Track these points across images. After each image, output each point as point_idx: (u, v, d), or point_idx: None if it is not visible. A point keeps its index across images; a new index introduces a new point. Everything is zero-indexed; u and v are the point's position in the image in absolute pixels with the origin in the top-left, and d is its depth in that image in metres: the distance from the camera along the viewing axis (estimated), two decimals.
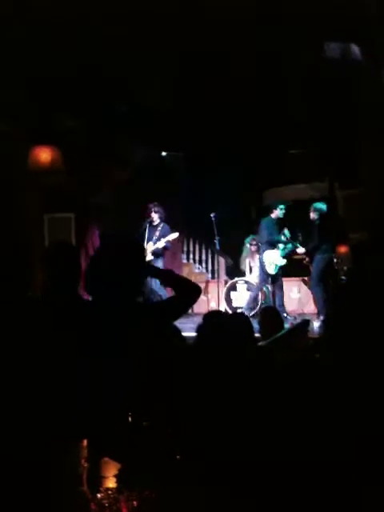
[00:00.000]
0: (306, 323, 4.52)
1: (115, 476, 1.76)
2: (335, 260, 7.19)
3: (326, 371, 2.16)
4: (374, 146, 6.53)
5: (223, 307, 8.10)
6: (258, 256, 8.39)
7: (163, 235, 7.41)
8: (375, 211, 6.68)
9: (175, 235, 7.51)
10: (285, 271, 8.04)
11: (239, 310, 7.75)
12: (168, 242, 7.43)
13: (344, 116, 6.45)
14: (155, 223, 7.47)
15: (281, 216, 7.74)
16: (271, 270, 7.69)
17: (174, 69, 5.64)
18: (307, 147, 7.84)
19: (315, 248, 7.31)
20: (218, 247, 7.93)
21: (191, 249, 10.27)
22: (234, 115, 6.70)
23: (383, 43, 4.92)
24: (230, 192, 8.40)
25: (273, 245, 7.71)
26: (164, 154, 8.46)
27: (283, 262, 7.69)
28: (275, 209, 7.74)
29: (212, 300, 8.69)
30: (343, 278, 7.03)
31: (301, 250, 7.61)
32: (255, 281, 8.18)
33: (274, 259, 7.68)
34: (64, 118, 6.26)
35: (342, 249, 7.04)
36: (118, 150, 7.33)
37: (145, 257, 2.83)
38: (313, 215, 7.37)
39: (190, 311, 8.92)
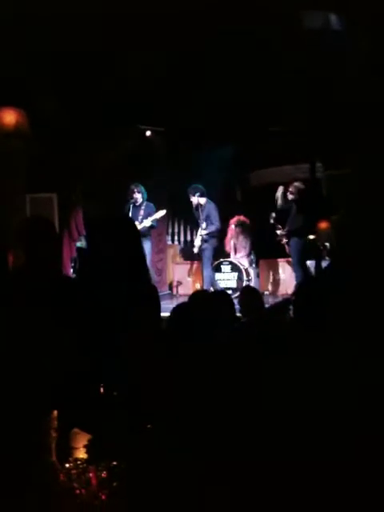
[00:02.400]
0: (286, 302, 4.52)
1: (85, 447, 1.76)
2: (314, 236, 7.16)
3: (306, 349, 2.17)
4: (362, 126, 6.48)
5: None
6: (242, 237, 8.38)
7: (148, 214, 7.34)
8: (360, 192, 6.65)
9: (162, 213, 7.43)
10: (272, 252, 8.03)
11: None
12: (155, 220, 7.37)
13: (329, 95, 6.39)
14: (138, 203, 7.41)
15: (200, 203, 7.49)
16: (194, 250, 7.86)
17: (158, 46, 5.55)
18: (293, 127, 7.77)
19: (296, 229, 7.31)
20: None
21: (176, 230, 10.25)
22: (221, 95, 6.63)
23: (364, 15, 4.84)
24: (215, 174, 8.34)
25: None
26: (148, 132, 8.29)
27: (198, 242, 7.67)
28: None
29: (197, 281, 8.69)
30: (327, 258, 7.02)
31: (281, 231, 7.60)
32: (240, 261, 8.21)
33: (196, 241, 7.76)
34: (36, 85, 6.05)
35: (323, 225, 7.00)
36: (104, 129, 7.18)
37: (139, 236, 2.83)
38: (291, 196, 7.37)
39: (175, 293, 8.95)
